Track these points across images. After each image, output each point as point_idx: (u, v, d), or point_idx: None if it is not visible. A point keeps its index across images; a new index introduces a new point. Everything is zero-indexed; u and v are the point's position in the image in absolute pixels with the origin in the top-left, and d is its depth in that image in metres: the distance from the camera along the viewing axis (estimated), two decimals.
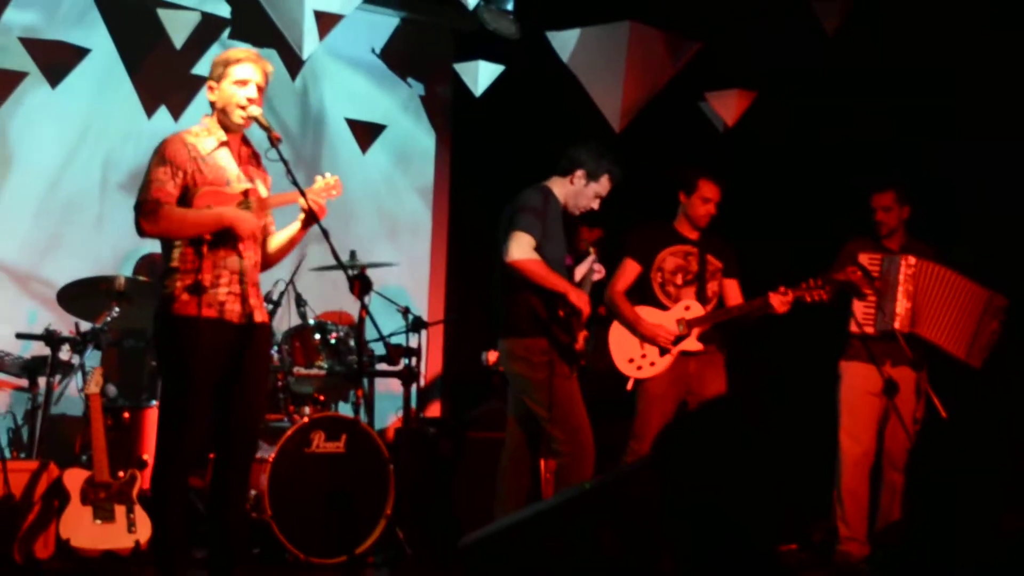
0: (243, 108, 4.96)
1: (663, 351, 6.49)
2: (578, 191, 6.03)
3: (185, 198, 4.88)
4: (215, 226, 4.87)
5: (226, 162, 4.99)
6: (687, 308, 6.57)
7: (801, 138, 7.82)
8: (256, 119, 5.02)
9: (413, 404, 7.51)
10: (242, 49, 5.15)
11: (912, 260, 6.66)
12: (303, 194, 4.97)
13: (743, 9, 7.61)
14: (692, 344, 6.53)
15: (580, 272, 6.29)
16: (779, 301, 6.47)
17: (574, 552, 4.20)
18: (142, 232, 4.90)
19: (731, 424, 4.37)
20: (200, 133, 5.01)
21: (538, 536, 4.33)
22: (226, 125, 5.02)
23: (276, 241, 5.17)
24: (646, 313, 6.52)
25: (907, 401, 6.58)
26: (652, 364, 6.49)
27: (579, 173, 6.02)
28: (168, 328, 4.90)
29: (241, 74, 4.99)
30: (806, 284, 6.52)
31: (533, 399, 5.87)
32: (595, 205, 6.07)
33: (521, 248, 5.80)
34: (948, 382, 6.63)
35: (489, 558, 4.36)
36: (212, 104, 5.05)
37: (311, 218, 5.01)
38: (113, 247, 7.69)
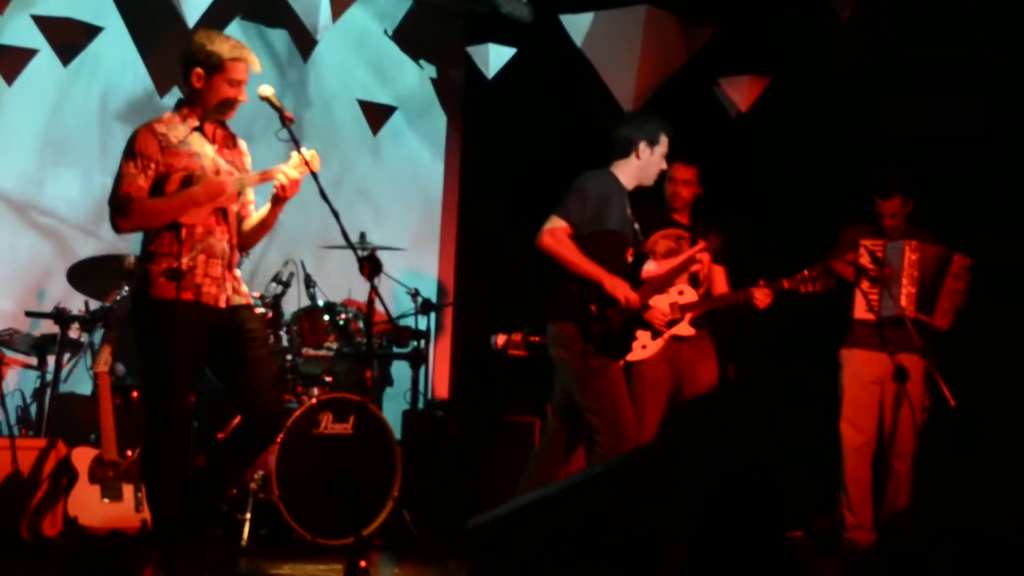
0: (233, 109, 4.97)
1: (655, 334, 6.46)
2: (646, 162, 5.95)
3: (159, 186, 4.88)
4: (191, 206, 4.87)
5: (200, 147, 4.97)
6: (680, 293, 6.56)
7: (808, 125, 7.80)
8: (268, 99, 5.00)
9: (421, 387, 7.51)
10: (236, 43, 5.02)
11: (915, 245, 6.67)
12: (311, 167, 4.96)
13: None
14: (684, 329, 6.52)
15: (664, 265, 6.24)
16: (761, 295, 6.48)
17: (582, 535, 4.20)
18: (117, 229, 4.92)
19: (739, 409, 4.37)
20: (173, 119, 4.98)
21: (546, 519, 4.33)
22: (208, 114, 5.00)
23: (250, 223, 5.17)
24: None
25: (915, 388, 6.58)
26: (644, 347, 6.46)
27: (642, 146, 5.93)
28: (146, 310, 4.91)
29: (238, 75, 4.95)
30: (801, 275, 6.52)
31: (572, 387, 5.80)
32: (664, 165, 6.02)
33: (551, 234, 5.74)
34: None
35: (497, 540, 4.36)
36: (196, 90, 4.98)
37: (280, 199, 5.02)
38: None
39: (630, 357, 6.39)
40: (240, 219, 5.15)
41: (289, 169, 4.99)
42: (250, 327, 5.04)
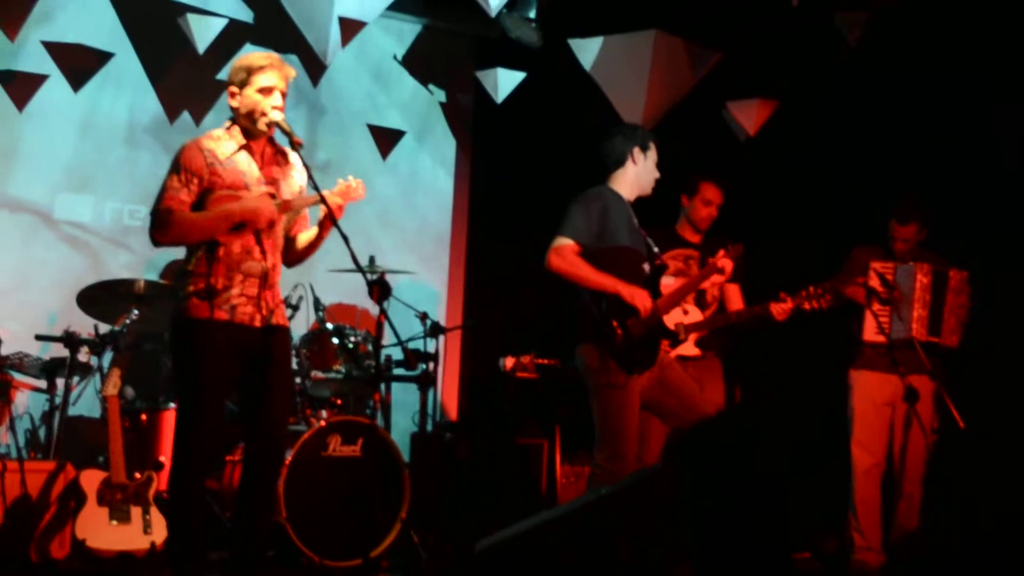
0: (267, 116, 4.98)
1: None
2: (642, 168, 5.87)
3: (202, 202, 4.91)
4: (227, 225, 4.88)
5: (246, 166, 5.00)
6: (685, 312, 6.47)
7: (816, 147, 7.82)
8: (278, 124, 5.02)
9: (430, 409, 7.51)
10: (264, 54, 5.12)
11: (927, 269, 6.66)
12: (323, 199, 4.98)
13: (765, 20, 7.61)
14: (689, 349, 6.49)
15: (682, 279, 6.22)
16: (779, 310, 6.25)
17: (589, 557, 4.20)
18: (155, 241, 4.94)
19: (746, 431, 4.36)
20: (221, 137, 5.02)
21: (553, 541, 4.32)
22: (249, 131, 5.03)
23: (302, 240, 5.21)
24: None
25: (924, 410, 6.56)
26: None
27: (635, 151, 5.87)
28: (180, 330, 4.94)
29: (265, 82, 5.00)
30: (806, 292, 6.47)
31: (592, 405, 5.68)
32: (657, 173, 5.93)
33: (557, 253, 5.65)
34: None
35: (505, 563, 4.36)
36: (234, 110, 5.06)
37: (329, 219, 5.04)
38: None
39: None
40: (291, 238, 5.19)
41: (333, 195, 5.03)
42: (276, 352, 5.05)
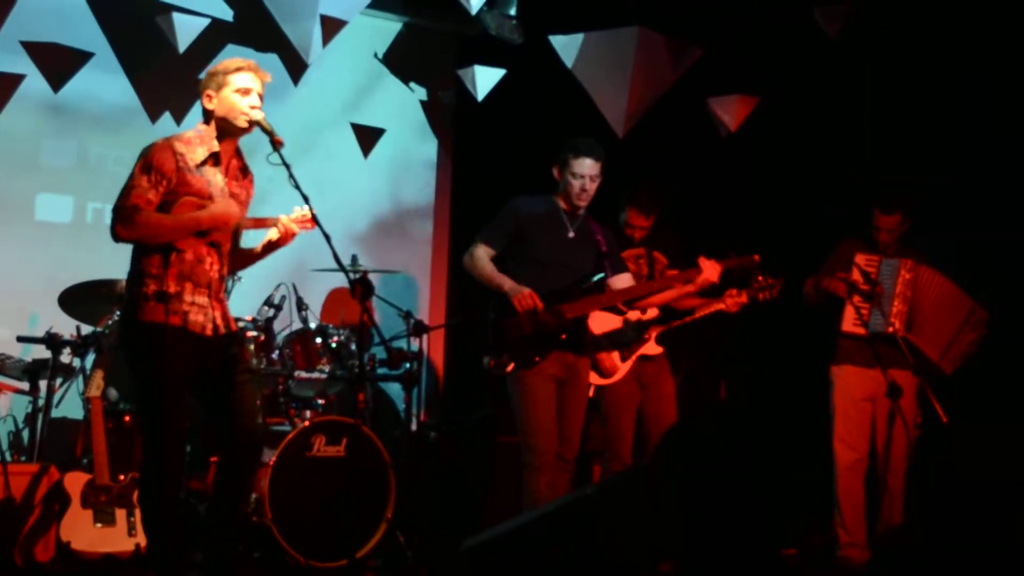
0: (246, 114, 4.97)
1: (624, 357, 6.51)
2: (563, 183, 6.09)
3: (165, 205, 4.89)
4: (193, 230, 4.90)
5: (212, 176, 4.99)
6: (644, 311, 6.58)
7: (798, 142, 7.83)
8: (259, 123, 5.02)
9: (414, 408, 7.49)
10: (239, 59, 5.14)
11: (910, 265, 6.67)
12: (312, 207, 5.00)
13: (745, 14, 7.62)
14: (652, 348, 6.58)
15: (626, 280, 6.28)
16: (732, 302, 6.57)
17: (575, 555, 4.20)
18: (116, 236, 4.88)
19: (732, 430, 4.38)
20: (192, 141, 5.00)
21: (540, 539, 4.33)
22: (226, 132, 5.02)
23: (243, 249, 5.23)
24: (600, 318, 6.50)
25: (907, 405, 6.57)
26: (612, 370, 6.54)
27: (555, 169, 6.12)
28: (135, 334, 4.91)
29: (242, 83, 5.00)
30: (757, 283, 6.54)
31: None
32: (586, 186, 6.04)
33: (469, 253, 6.09)
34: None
35: (491, 561, 4.36)
36: (209, 113, 5.04)
37: (275, 245, 5.13)
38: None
39: (602, 381, 6.46)
40: (236, 240, 5.19)
41: (290, 222, 5.05)
42: (235, 353, 5.07)
